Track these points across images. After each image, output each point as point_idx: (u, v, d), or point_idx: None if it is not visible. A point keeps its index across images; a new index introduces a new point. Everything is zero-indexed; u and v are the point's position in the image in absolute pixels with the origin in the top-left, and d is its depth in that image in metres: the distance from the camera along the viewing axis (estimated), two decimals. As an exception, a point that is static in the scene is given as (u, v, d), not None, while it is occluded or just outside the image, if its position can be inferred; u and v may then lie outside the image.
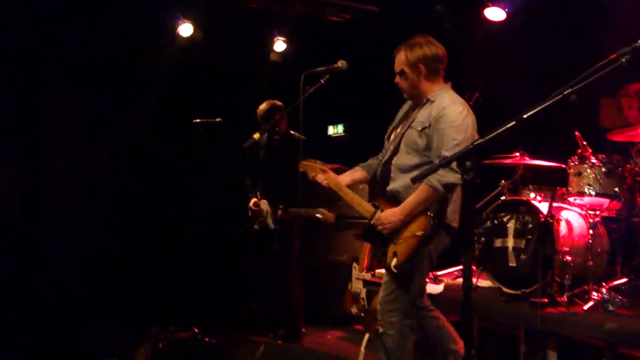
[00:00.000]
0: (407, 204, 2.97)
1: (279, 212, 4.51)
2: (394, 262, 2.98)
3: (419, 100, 3.13)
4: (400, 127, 3.22)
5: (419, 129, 3.04)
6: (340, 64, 3.45)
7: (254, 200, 4.77)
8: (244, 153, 4.77)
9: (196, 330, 4.63)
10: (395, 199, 3.07)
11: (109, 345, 4.66)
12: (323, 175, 3.28)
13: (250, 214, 4.79)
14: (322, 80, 3.49)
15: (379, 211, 3.09)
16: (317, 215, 4.61)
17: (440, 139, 2.95)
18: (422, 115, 3.06)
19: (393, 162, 3.16)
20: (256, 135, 3.69)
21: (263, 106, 4.71)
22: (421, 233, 2.94)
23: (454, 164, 2.71)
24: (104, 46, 5.79)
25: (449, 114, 2.95)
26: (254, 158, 4.91)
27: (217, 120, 4.50)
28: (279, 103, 4.70)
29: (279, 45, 6.49)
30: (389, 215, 3.00)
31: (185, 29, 5.97)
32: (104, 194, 5.96)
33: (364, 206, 3.15)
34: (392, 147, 3.18)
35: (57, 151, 5.96)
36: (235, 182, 6.15)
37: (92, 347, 4.70)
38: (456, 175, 2.84)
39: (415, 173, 2.96)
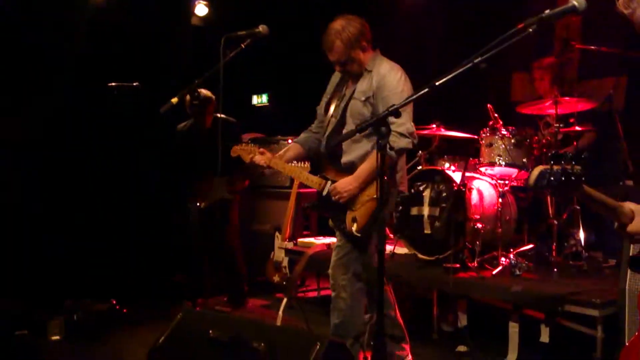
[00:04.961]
0: (361, 172, 3.04)
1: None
2: (354, 227, 3.06)
3: (357, 72, 3.16)
4: (336, 99, 3.26)
5: (363, 99, 3.10)
6: (262, 28, 3.37)
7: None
8: (176, 136, 4.97)
9: (114, 302, 4.52)
10: (351, 170, 3.12)
11: (20, 319, 4.47)
12: (261, 156, 3.28)
13: (197, 193, 4.79)
14: (242, 45, 3.40)
15: (329, 182, 3.15)
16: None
17: (384, 106, 2.99)
18: (363, 86, 3.12)
19: (343, 134, 3.21)
20: (174, 100, 3.56)
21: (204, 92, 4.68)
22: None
23: (404, 130, 2.93)
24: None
25: (390, 81, 3.05)
26: (189, 146, 4.90)
27: (134, 84, 4.31)
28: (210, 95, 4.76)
29: (200, 8, 6.30)
30: (345, 183, 3.06)
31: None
32: (15, 160, 5.61)
33: (311, 179, 3.21)
34: (334, 120, 3.21)
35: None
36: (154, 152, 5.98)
37: (1, 320, 4.50)
38: (406, 139, 2.98)
39: (365, 142, 3.06)
